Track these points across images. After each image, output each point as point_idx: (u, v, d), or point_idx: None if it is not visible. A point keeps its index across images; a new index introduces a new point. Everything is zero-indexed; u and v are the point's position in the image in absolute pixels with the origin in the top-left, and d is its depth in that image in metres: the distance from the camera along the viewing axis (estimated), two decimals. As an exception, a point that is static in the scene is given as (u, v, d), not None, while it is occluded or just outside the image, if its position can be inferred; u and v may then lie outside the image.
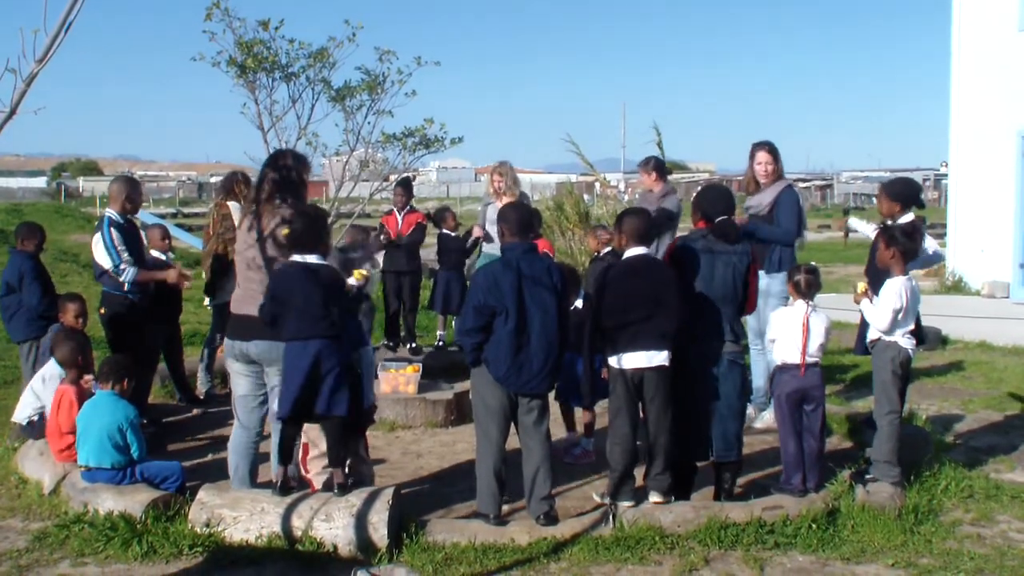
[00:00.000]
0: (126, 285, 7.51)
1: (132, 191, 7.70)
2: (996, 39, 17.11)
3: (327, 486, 5.65)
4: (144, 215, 28.82)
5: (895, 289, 6.23)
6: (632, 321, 5.73)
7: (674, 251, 6.14)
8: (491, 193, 9.98)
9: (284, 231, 5.48)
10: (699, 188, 6.86)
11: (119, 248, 7.39)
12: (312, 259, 5.49)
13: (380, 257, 9.88)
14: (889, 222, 7.00)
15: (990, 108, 17.11)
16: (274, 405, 5.62)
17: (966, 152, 17.76)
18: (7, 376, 10.02)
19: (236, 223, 8.19)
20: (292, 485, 5.62)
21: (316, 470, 5.92)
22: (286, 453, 5.63)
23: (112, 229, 7.46)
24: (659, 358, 5.76)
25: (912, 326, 6.34)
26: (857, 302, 6.51)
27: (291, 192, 5.81)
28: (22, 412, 7.16)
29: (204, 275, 8.70)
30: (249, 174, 8.43)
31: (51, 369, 7.03)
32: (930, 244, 7.16)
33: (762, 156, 8.02)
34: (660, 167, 9.22)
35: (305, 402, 5.39)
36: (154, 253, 8.55)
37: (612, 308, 5.79)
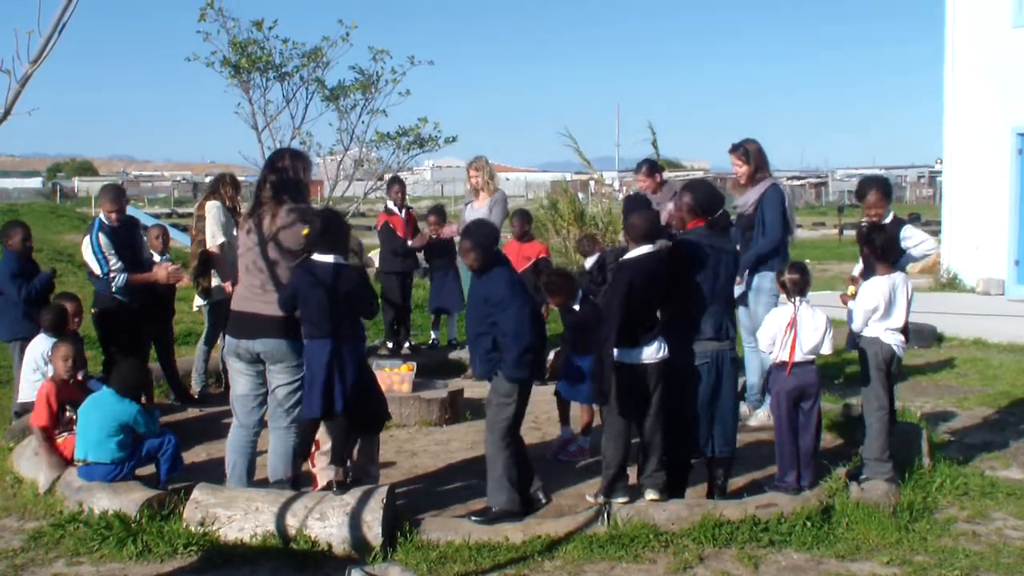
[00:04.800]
0: (114, 289, 7.61)
1: (116, 198, 7.90)
2: (991, 35, 17.11)
3: (331, 484, 5.69)
4: (143, 215, 28.90)
5: (871, 289, 6.30)
6: (633, 316, 5.73)
7: (676, 248, 6.11)
8: (471, 191, 10.06)
9: (304, 230, 5.49)
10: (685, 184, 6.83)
11: (107, 255, 7.53)
12: (331, 259, 5.53)
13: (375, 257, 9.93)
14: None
15: (985, 105, 17.10)
16: (286, 404, 5.69)
17: (961, 149, 17.74)
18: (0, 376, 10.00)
19: (211, 223, 8.24)
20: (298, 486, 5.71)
21: (322, 465, 5.95)
22: (307, 450, 5.81)
23: (100, 234, 7.63)
24: (660, 353, 5.79)
25: (899, 323, 6.32)
26: (844, 303, 6.65)
27: (291, 192, 5.79)
28: (24, 393, 7.43)
29: (188, 275, 8.73)
30: (244, 173, 8.46)
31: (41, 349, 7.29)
32: (916, 239, 6.87)
33: (732, 159, 8.07)
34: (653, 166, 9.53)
35: (328, 400, 5.50)
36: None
37: (616, 304, 5.78)
